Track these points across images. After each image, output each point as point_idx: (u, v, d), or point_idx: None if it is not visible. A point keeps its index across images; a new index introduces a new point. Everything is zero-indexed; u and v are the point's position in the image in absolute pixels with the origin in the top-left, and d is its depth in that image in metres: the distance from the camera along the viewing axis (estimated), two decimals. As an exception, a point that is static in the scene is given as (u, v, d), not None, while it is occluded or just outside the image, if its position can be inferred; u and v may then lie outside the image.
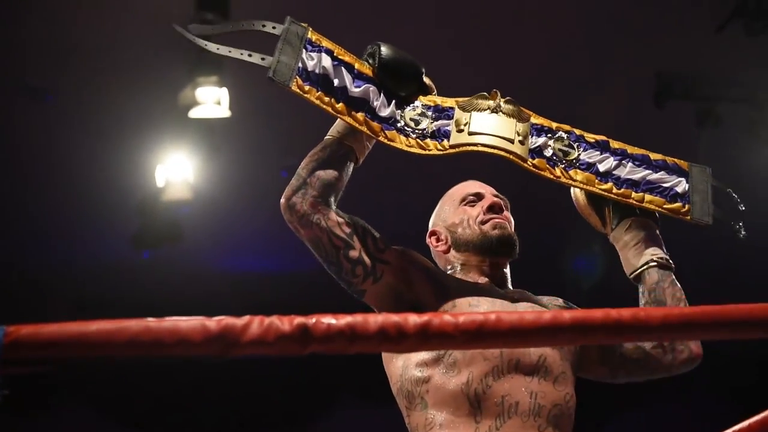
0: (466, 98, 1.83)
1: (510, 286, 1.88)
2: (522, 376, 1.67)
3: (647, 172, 1.85)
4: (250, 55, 1.69)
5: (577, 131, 1.86)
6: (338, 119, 1.79)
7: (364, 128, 1.75)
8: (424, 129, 1.78)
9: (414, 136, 1.78)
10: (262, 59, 1.69)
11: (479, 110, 1.80)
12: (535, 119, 1.84)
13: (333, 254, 1.75)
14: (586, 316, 1.09)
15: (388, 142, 1.77)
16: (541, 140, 1.82)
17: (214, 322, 1.02)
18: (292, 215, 1.76)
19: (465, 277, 1.85)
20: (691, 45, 4.23)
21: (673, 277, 1.85)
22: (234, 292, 5.25)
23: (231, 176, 4.69)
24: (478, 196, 1.90)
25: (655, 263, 1.84)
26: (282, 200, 1.77)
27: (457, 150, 1.78)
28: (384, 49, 1.79)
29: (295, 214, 1.75)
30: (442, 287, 1.79)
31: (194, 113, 4.06)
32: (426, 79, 1.85)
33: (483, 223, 1.85)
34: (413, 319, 1.07)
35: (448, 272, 1.87)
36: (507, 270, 1.89)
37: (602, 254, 4.46)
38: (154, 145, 4.36)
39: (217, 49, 1.72)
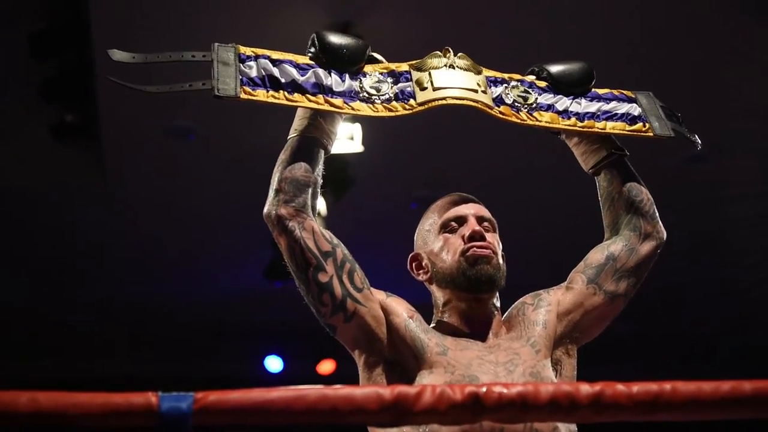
0: (418, 60, 1.82)
1: (498, 321, 1.76)
2: None
3: (600, 104, 1.91)
4: (190, 86, 1.67)
5: (528, 78, 1.91)
6: (295, 117, 1.76)
7: (326, 107, 1.71)
8: (387, 94, 1.76)
9: (379, 102, 1.74)
10: (203, 84, 1.66)
11: (436, 68, 1.80)
12: (487, 72, 1.86)
13: (303, 269, 1.64)
14: (768, 387, 1.05)
15: (355, 112, 1.73)
16: (499, 89, 1.84)
17: (387, 391, 1.03)
18: (271, 225, 1.67)
19: (447, 324, 1.74)
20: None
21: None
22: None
23: (362, 209, 4.75)
24: (460, 221, 1.80)
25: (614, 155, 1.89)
26: (263, 213, 1.68)
27: (426, 106, 1.76)
28: (321, 35, 1.75)
29: (273, 222, 1.66)
30: (419, 346, 1.66)
31: (328, 149, 4.15)
32: (374, 54, 1.80)
33: (464, 253, 1.75)
34: (585, 388, 1.06)
35: (433, 318, 1.78)
36: (495, 302, 1.78)
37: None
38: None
39: (157, 89, 1.68)
